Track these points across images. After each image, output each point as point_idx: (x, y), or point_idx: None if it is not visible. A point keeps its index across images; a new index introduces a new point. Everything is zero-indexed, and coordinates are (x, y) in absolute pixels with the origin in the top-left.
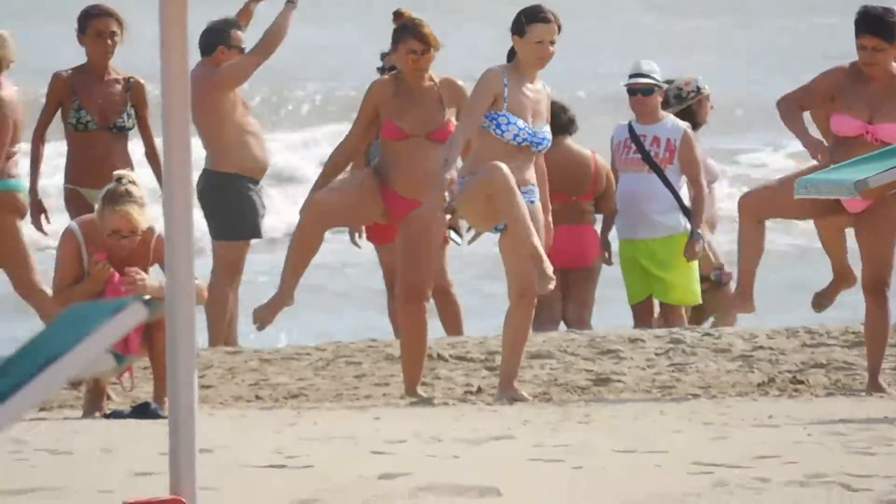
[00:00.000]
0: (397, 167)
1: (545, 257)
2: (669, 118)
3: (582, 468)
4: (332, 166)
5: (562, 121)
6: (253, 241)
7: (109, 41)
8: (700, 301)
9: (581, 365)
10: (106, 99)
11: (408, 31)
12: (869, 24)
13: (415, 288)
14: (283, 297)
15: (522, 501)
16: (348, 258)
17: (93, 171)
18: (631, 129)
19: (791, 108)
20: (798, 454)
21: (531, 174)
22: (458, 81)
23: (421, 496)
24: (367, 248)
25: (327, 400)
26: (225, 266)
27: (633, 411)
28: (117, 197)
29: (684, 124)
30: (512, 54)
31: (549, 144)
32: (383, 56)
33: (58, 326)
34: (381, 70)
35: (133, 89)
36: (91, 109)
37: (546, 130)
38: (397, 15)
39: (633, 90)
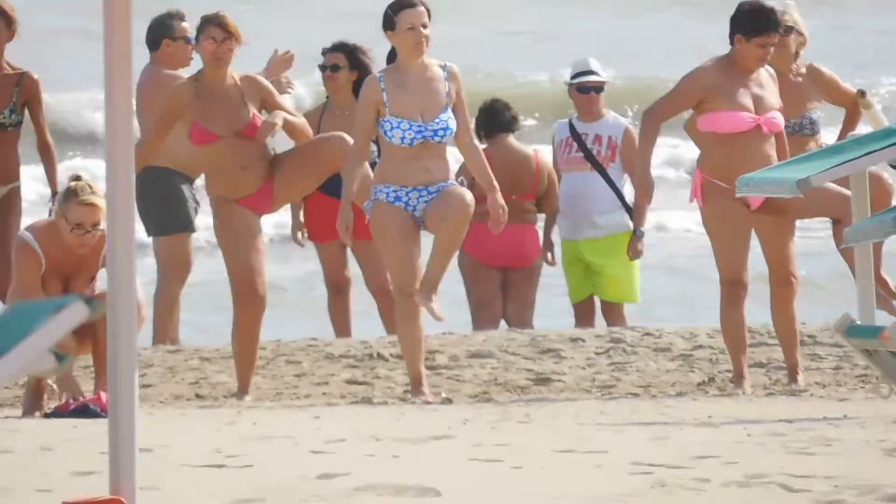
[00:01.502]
0: (228, 168)
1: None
2: (611, 115)
3: (522, 468)
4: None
5: (504, 118)
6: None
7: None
8: (638, 299)
9: (521, 364)
10: None
11: (208, 21)
12: (774, 21)
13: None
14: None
15: (462, 502)
16: (289, 255)
17: (8, 171)
18: (572, 127)
19: (651, 125)
20: (738, 454)
21: (443, 167)
22: (258, 77)
23: (360, 496)
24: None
25: (267, 399)
26: (170, 262)
27: (573, 411)
28: (79, 190)
29: (625, 120)
30: (392, 56)
31: (452, 130)
32: (324, 52)
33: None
34: (322, 68)
35: (23, 85)
36: None
37: (443, 118)
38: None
39: (585, 88)
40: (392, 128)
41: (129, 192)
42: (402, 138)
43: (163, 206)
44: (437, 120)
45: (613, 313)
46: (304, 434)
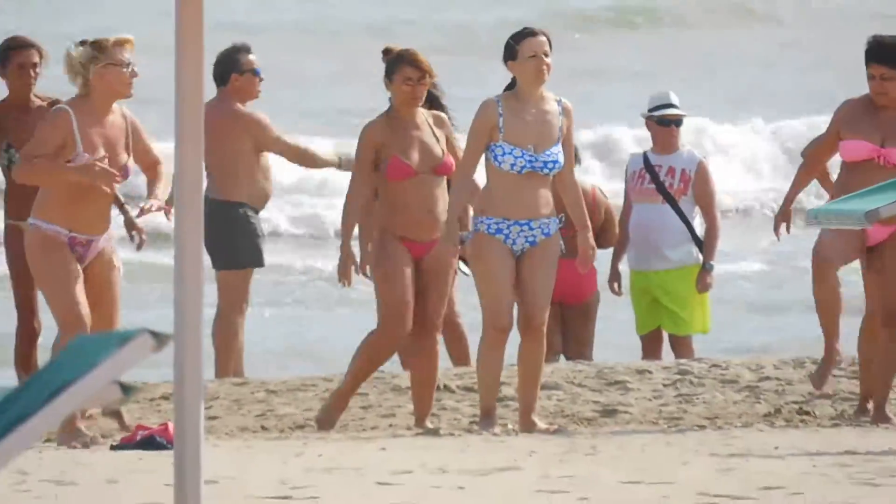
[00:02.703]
0: (410, 209)
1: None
2: (686, 148)
3: (588, 499)
4: (349, 223)
5: None
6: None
7: (32, 72)
8: (709, 330)
9: (588, 396)
10: (31, 131)
11: (402, 60)
12: (878, 52)
13: (429, 320)
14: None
15: None
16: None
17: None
18: (646, 158)
19: (804, 163)
20: (803, 485)
21: (546, 201)
22: (441, 114)
23: None
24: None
25: (334, 431)
26: (230, 296)
27: (639, 442)
28: (103, 41)
29: (700, 155)
30: (511, 86)
31: (561, 164)
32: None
33: (65, 357)
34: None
35: None
36: (20, 146)
37: (554, 151)
38: (387, 51)
39: (665, 121)
40: (504, 153)
41: (199, 226)
42: (513, 165)
43: (233, 241)
44: (548, 152)
45: (682, 346)
46: (371, 465)
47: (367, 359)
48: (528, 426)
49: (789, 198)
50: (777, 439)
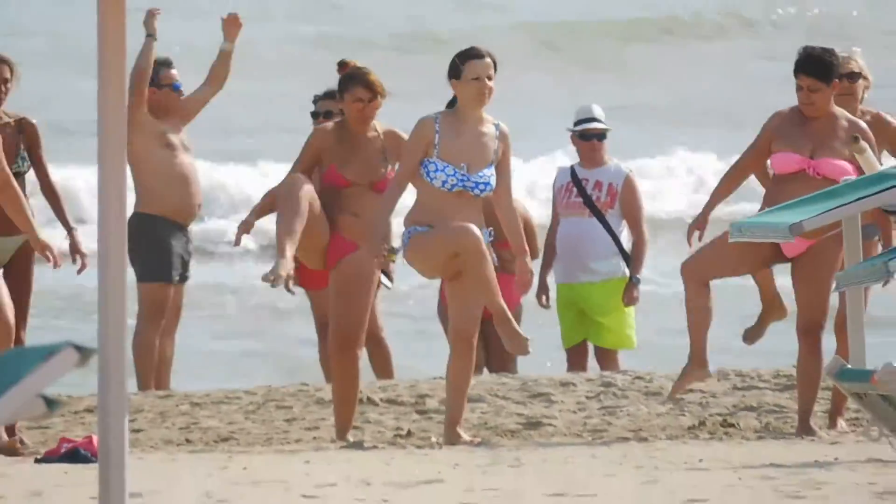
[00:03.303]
0: (341, 211)
1: (512, 319)
2: (613, 162)
3: None
4: (268, 202)
5: None
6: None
7: (3, 87)
8: (634, 345)
9: (512, 408)
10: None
11: (355, 79)
12: (805, 64)
13: (347, 334)
14: (282, 263)
15: None
16: (280, 303)
17: None
18: (573, 172)
19: (727, 174)
20: (729, 498)
21: (476, 219)
22: (400, 133)
23: None
24: (299, 293)
25: (258, 444)
26: (147, 308)
27: (563, 455)
28: None
29: (627, 168)
30: (452, 103)
31: (492, 186)
32: (315, 100)
33: None
34: (315, 115)
35: (25, 131)
36: None
37: (487, 173)
38: (342, 65)
39: (587, 135)
40: (436, 170)
41: (122, 239)
42: (444, 182)
43: (148, 253)
44: (480, 174)
45: (607, 359)
46: (295, 478)
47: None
48: (452, 438)
49: (709, 206)
50: (701, 452)
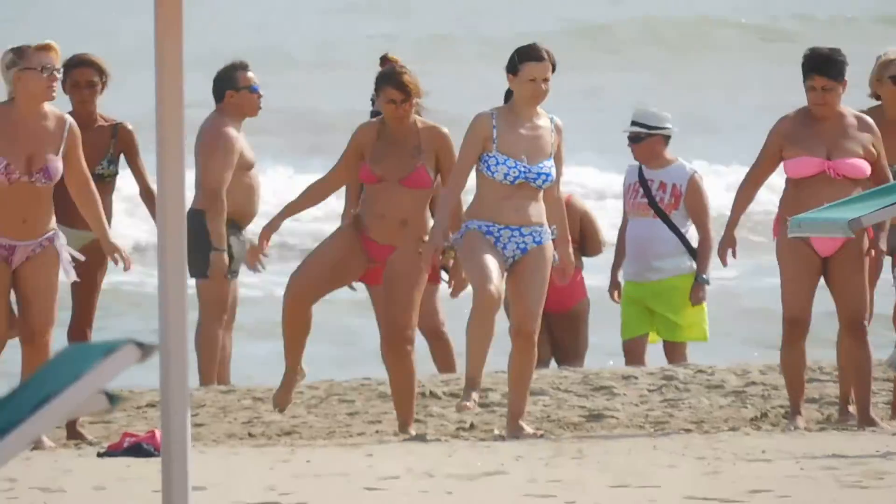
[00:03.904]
0: (371, 212)
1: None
2: (678, 162)
3: (575, 503)
4: (306, 197)
5: None
6: None
7: (87, 90)
8: (706, 337)
9: (574, 401)
10: (89, 148)
11: (387, 79)
12: (817, 64)
13: (394, 331)
14: (291, 376)
15: None
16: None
17: (67, 217)
18: (640, 172)
19: (742, 189)
20: (791, 488)
21: (536, 211)
22: (441, 129)
23: None
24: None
25: (320, 437)
26: (208, 305)
27: (625, 447)
28: (26, 47)
29: (692, 168)
30: (509, 94)
31: (553, 178)
32: (374, 99)
33: (52, 366)
34: (375, 115)
35: (119, 135)
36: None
37: (547, 165)
38: (383, 60)
39: (634, 137)
40: (497, 163)
41: (181, 236)
42: (507, 174)
43: (205, 251)
44: (540, 165)
45: (675, 353)
46: (358, 471)
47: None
48: (515, 431)
49: (732, 223)
50: (764, 443)
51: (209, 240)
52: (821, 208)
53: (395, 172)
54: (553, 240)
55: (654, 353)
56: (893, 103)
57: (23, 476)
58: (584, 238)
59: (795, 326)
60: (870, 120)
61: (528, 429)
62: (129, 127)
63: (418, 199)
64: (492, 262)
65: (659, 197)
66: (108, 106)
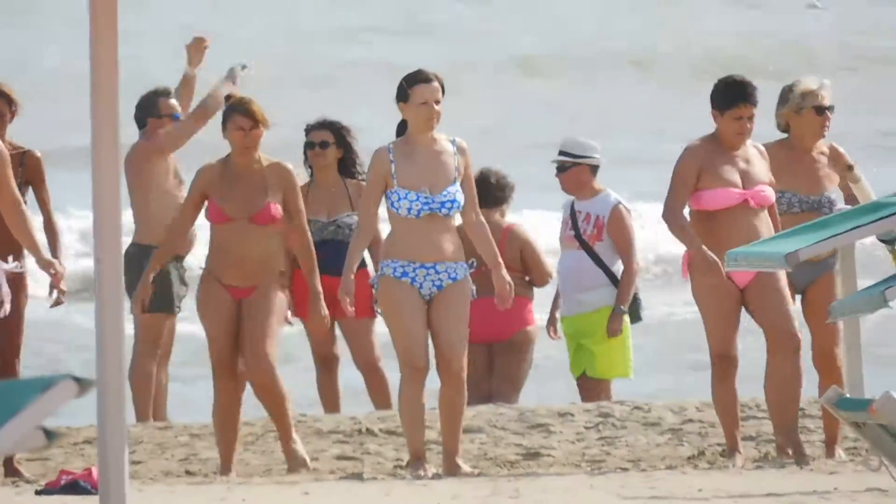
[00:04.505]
0: (227, 258)
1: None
2: (604, 193)
3: None
4: (170, 242)
5: (491, 195)
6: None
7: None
8: (630, 374)
9: (511, 439)
10: None
11: (234, 109)
12: (744, 92)
13: (258, 358)
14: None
15: None
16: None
17: None
18: (572, 205)
19: (677, 218)
20: None
21: (451, 245)
22: (286, 165)
23: None
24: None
25: (257, 475)
26: (144, 339)
27: (562, 485)
28: None
29: (616, 199)
30: (401, 127)
31: (460, 203)
32: (308, 130)
33: None
34: (310, 146)
35: (26, 164)
36: None
37: (451, 191)
38: (227, 98)
39: (559, 167)
40: (399, 199)
41: (118, 271)
42: (409, 209)
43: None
44: (444, 192)
45: (597, 389)
46: None
47: (221, 416)
48: (452, 470)
49: (697, 244)
50: (701, 482)
51: (158, 274)
52: (757, 242)
53: (244, 210)
54: (473, 271)
55: (623, 386)
56: (811, 133)
57: None
58: (528, 268)
59: (725, 362)
60: (761, 147)
61: (465, 467)
62: (38, 155)
63: (272, 236)
64: (414, 325)
65: (583, 229)
66: (19, 134)
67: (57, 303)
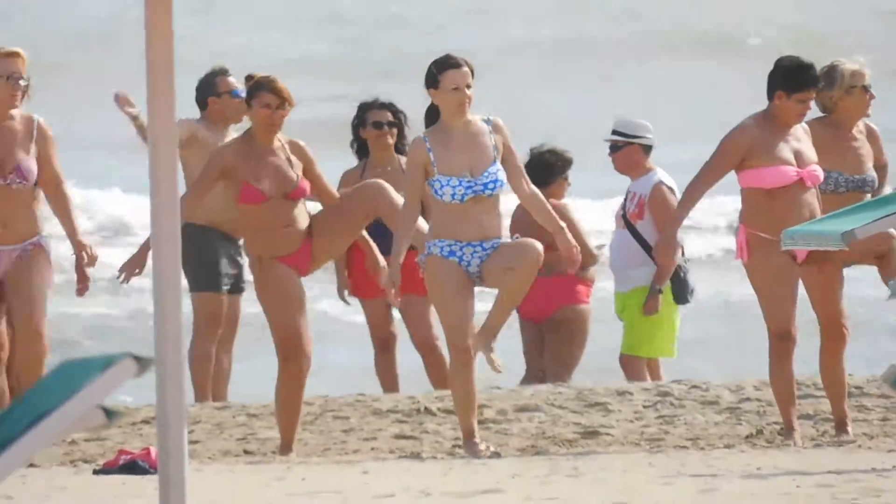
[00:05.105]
0: (261, 228)
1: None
2: (651, 172)
3: None
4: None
5: (543, 174)
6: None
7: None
8: (673, 354)
9: (569, 418)
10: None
11: (262, 86)
12: (811, 77)
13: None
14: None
15: None
16: (334, 312)
17: None
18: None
19: (695, 192)
20: None
21: (496, 223)
22: (303, 144)
23: None
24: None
25: (315, 454)
26: (201, 319)
27: (621, 464)
28: None
29: (659, 178)
30: (431, 114)
31: (503, 181)
32: (364, 108)
33: (49, 382)
34: (376, 125)
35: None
36: None
37: (492, 171)
38: (248, 78)
39: (611, 146)
40: (442, 186)
41: (175, 250)
42: (454, 195)
43: (197, 264)
44: (486, 174)
45: (630, 367)
46: (353, 489)
47: (284, 398)
48: (485, 343)
49: (678, 220)
50: (759, 460)
51: (209, 254)
52: (813, 221)
53: (280, 188)
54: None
55: (670, 367)
56: (859, 112)
57: (18, 494)
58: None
59: (785, 341)
60: (807, 127)
61: (482, 445)
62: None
63: (301, 209)
64: (460, 305)
65: (627, 207)
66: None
67: (83, 289)
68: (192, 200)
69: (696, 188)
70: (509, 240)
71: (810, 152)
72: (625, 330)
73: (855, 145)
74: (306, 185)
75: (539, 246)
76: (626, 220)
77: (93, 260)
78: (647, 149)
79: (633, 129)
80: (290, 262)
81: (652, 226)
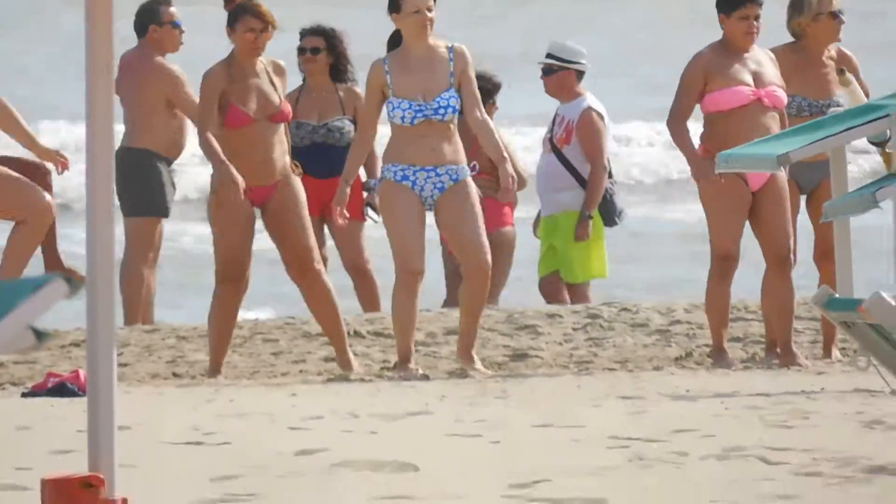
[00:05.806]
0: (249, 159)
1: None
2: (581, 98)
3: (499, 443)
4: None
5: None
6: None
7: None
8: (605, 275)
9: (498, 340)
10: None
11: (245, 10)
12: None
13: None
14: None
15: (440, 477)
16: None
17: None
18: (558, 109)
19: (677, 126)
20: (716, 428)
21: (451, 149)
22: (280, 61)
23: (338, 472)
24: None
25: (244, 377)
26: (136, 243)
27: (550, 386)
28: None
29: (589, 103)
30: (393, 39)
31: (456, 108)
32: (303, 34)
33: None
34: (301, 51)
35: None
36: None
37: (445, 97)
38: (229, 1)
39: (544, 70)
40: (394, 108)
41: (109, 172)
42: (403, 118)
43: (140, 188)
44: (438, 98)
45: (574, 292)
46: (282, 411)
47: (217, 318)
48: (467, 361)
49: (693, 156)
50: (688, 382)
51: (142, 177)
52: (748, 143)
53: (266, 110)
54: (475, 174)
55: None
56: (827, 38)
57: None
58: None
59: (726, 262)
60: (772, 54)
61: (479, 364)
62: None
63: (282, 132)
64: (411, 229)
65: (555, 132)
66: None
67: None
68: (208, 129)
69: (675, 128)
70: (465, 167)
71: (772, 76)
72: (550, 254)
73: (822, 71)
74: (288, 108)
75: (487, 255)
76: (553, 145)
77: (66, 164)
78: (580, 74)
79: (568, 55)
80: (254, 196)
81: (579, 150)
